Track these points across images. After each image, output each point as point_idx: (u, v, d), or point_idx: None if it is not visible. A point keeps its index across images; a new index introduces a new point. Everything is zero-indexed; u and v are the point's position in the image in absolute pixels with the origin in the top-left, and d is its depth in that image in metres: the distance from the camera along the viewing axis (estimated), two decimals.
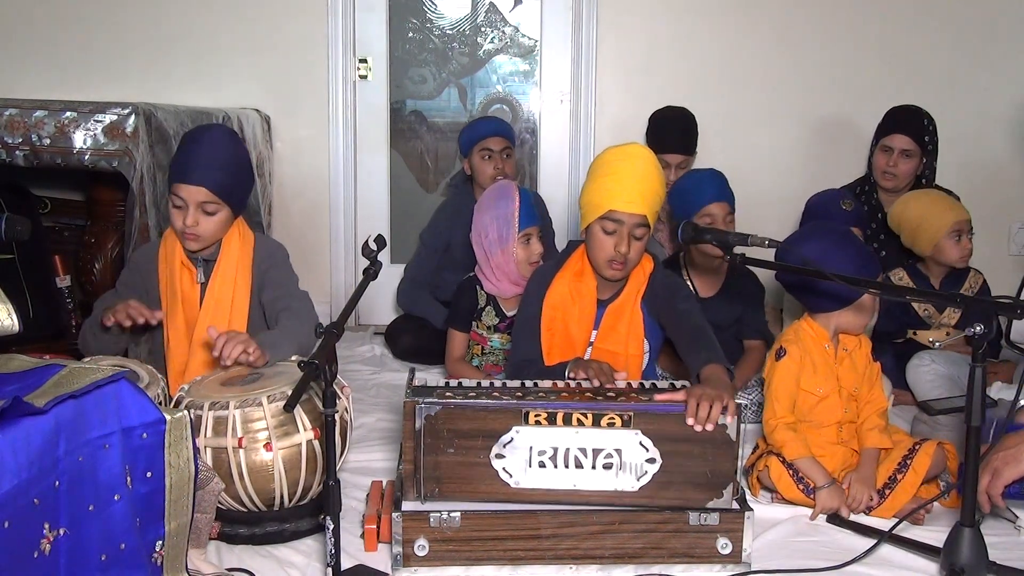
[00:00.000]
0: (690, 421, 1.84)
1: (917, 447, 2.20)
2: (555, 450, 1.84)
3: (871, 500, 2.13)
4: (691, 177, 3.02)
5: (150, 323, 2.31)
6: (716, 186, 2.92)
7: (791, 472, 2.17)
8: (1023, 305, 1.71)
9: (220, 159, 2.34)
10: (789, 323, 3.00)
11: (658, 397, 1.90)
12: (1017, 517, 2.07)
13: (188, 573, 1.70)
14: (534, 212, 2.93)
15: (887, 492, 2.15)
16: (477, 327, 2.94)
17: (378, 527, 1.95)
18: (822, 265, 2.02)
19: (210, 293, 2.38)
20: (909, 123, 3.38)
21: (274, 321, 2.36)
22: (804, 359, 2.23)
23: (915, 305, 3.14)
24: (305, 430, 1.94)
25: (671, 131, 3.54)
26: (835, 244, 2.19)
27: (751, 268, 2.20)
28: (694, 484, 1.86)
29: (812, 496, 2.14)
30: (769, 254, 2.24)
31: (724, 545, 1.87)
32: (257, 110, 3.80)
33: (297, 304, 2.37)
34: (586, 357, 2.35)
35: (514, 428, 1.83)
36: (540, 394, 1.92)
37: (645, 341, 2.39)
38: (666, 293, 2.36)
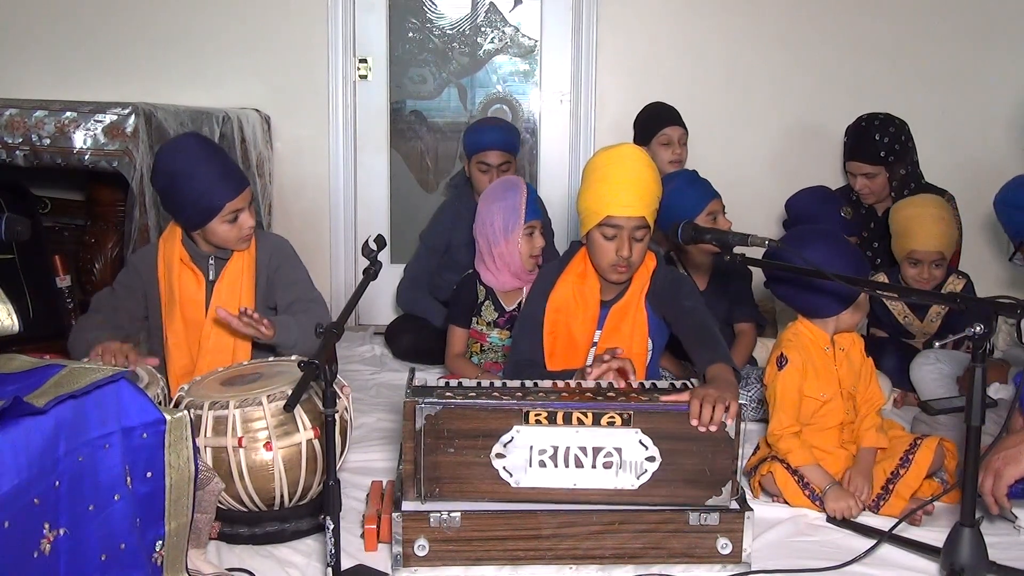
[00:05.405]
0: (694, 422, 1.84)
1: (918, 442, 2.20)
2: (555, 449, 1.84)
3: (869, 493, 2.13)
4: (675, 185, 2.91)
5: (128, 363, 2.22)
6: (703, 184, 2.94)
7: (796, 478, 2.17)
8: (1023, 305, 1.71)
9: (230, 159, 2.40)
10: (783, 322, 2.98)
11: (663, 399, 1.90)
12: (1017, 517, 2.07)
13: (188, 573, 1.70)
14: (538, 206, 2.93)
15: (890, 488, 2.15)
16: (476, 323, 2.94)
17: (378, 527, 1.95)
18: (823, 268, 2.01)
19: (218, 290, 2.38)
20: (861, 148, 3.39)
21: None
22: (806, 365, 2.22)
23: (894, 312, 3.12)
24: (305, 429, 1.94)
25: (661, 110, 3.57)
26: (834, 247, 2.17)
27: (737, 255, 2.17)
28: (693, 482, 1.86)
29: (818, 503, 2.14)
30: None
31: (724, 545, 1.87)
32: (257, 110, 3.80)
33: (316, 308, 2.41)
34: (589, 359, 2.34)
35: (514, 428, 1.83)
36: (540, 394, 1.92)
37: (649, 340, 2.39)
38: (670, 290, 2.35)
